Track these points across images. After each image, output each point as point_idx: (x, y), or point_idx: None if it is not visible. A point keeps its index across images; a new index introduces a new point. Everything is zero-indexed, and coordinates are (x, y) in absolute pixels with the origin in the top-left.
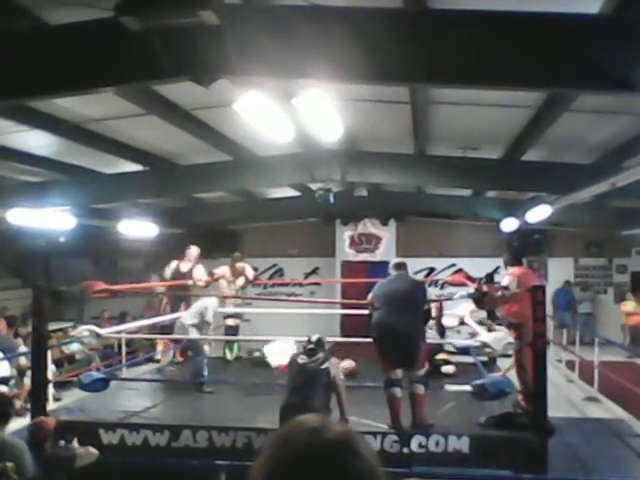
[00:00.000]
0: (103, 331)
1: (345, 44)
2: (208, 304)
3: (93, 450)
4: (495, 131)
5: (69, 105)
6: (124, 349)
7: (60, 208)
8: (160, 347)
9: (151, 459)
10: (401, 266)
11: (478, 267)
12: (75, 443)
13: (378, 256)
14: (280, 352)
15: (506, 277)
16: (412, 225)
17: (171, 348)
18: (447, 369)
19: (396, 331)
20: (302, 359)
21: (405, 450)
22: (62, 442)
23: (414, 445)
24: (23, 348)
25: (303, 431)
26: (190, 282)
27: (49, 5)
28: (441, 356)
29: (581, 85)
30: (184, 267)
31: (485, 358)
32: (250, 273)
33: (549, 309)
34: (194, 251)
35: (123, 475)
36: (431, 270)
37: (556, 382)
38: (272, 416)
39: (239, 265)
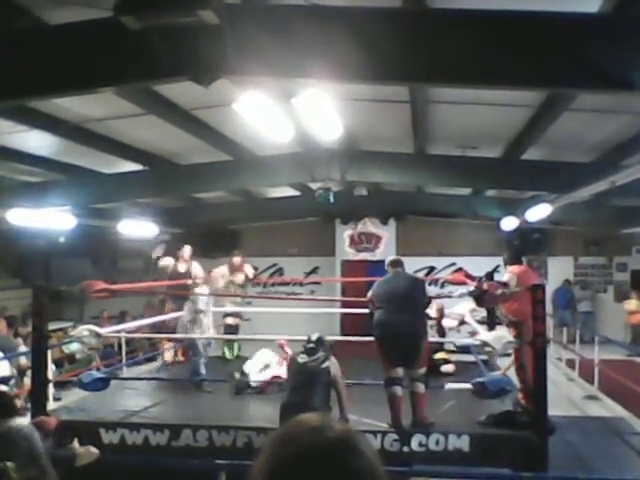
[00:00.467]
0: (103, 331)
1: (344, 44)
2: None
3: (93, 450)
4: (495, 130)
5: (69, 105)
6: (124, 348)
7: (60, 208)
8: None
9: (151, 458)
10: (397, 263)
11: (478, 266)
12: (75, 443)
13: (378, 255)
14: (260, 363)
15: (506, 274)
16: (412, 224)
17: (171, 348)
18: (446, 368)
19: (397, 330)
20: (302, 358)
21: (405, 449)
22: (63, 444)
23: (414, 444)
24: (23, 348)
25: (304, 430)
26: (189, 281)
27: (49, 5)
28: (440, 355)
29: (580, 84)
30: (181, 267)
31: (485, 357)
32: (250, 271)
33: (549, 308)
34: (187, 250)
35: (123, 474)
36: (431, 269)
37: (556, 381)
38: (272, 415)
39: (236, 260)
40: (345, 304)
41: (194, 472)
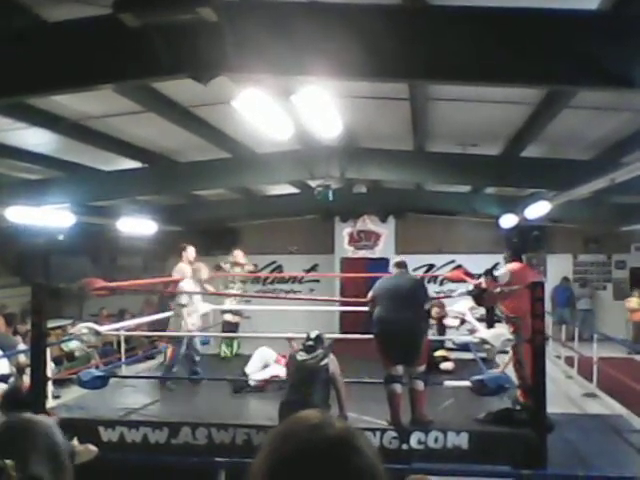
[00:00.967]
0: (102, 328)
1: (344, 41)
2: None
3: (92, 447)
4: (494, 127)
5: (68, 102)
6: (123, 346)
7: (59, 206)
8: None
9: (150, 456)
10: (402, 264)
11: (477, 263)
12: (75, 441)
13: (377, 253)
14: (260, 363)
15: (500, 270)
16: (411, 222)
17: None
18: (446, 366)
19: (397, 327)
20: (301, 356)
21: (404, 446)
22: None
23: (413, 441)
24: (22, 346)
25: (304, 427)
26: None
27: (48, 2)
28: (440, 353)
29: (580, 81)
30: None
31: (484, 354)
32: (249, 267)
33: (548, 305)
34: (192, 251)
35: (123, 472)
36: (430, 267)
37: (555, 378)
38: (271, 413)
39: (237, 254)
40: (344, 302)
41: (193, 470)
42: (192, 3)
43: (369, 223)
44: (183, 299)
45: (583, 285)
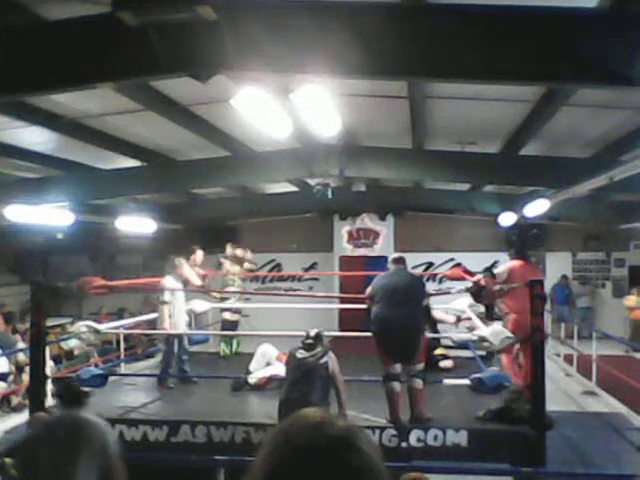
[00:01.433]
0: (101, 327)
1: (343, 39)
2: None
3: None
4: (493, 126)
5: (67, 101)
6: (122, 345)
7: (58, 204)
8: None
9: (150, 454)
10: (400, 260)
11: (476, 261)
12: None
13: (376, 251)
14: (262, 360)
15: (500, 267)
16: (410, 220)
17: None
18: (445, 364)
19: (395, 325)
20: (301, 353)
21: (404, 444)
22: None
23: (413, 439)
24: (21, 344)
25: (304, 426)
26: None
27: (46, 1)
28: (439, 351)
29: (579, 80)
30: (196, 280)
31: (483, 352)
32: (248, 266)
33: (547, 303)
34: (200, 255)
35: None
36: (429, 265)
37: (554, 376)
38: (270, 411)
39: (238, 252)
40: (343, 300)
41: (192, 468)
42: (191, 2)
43: (368, 221)
44: (166, 296)
45: (583, 283)
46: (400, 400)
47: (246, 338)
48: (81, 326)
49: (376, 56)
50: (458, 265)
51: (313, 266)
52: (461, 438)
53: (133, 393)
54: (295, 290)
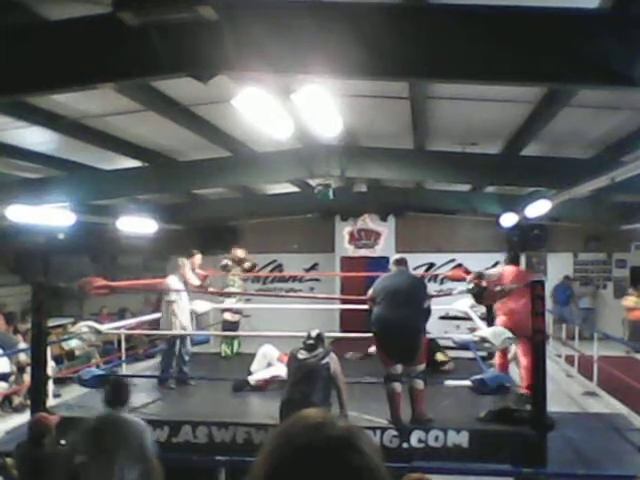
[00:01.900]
0: (103, 327)
1: (344, 39)
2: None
3: None
4: (494, 126)
5: (68, 101)
6: (123, 345)
7: (59, 205)
8: None
9: None
10: (401, 262)
11: (477, 262)
12: None
13: (377, 252)
14: (264, 361)
15: (492, 270)
16: (411, 220)
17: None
18: (445, 368)
19: (396, 326)
20: (302, 354)
21: (405, 445)
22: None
23: (413, 440)
24: (22, 344)
25: (305, 427)
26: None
27: (47, 0)
28: (440, 357)
29: (580, 80)
30: (194, 280)
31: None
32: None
33: (548, 304)
34: (199, 259)
35: None
36: (430, 265)
37: (555, 377)
38: (272, 411)
39: (239, 253)
40: (344, 301)
41: (194, 468)
42: (191, 2)
43: (369, 222)
44: (172, 296)
45: (584, 284)
46: (401, 401)
47: (247, 339)
48: (82, 326)
49: (377, 57)
50: (459, 266)
51: (314, 267)
52: (462, 439)
53: (134, 393)
54: (296, 291)
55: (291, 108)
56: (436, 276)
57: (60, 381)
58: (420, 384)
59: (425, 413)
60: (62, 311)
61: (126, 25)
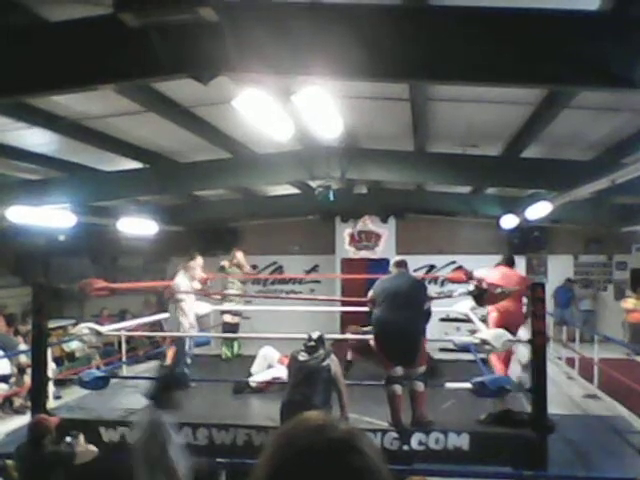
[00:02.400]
0: (103, 329)
1: (345, 41)
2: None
3: (93, 448)
4: (494, 128)
5: (68, 102)
6: (124, 347)
7: (60, 206)
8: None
9: None
10: (402, 264)
11: (478, 264)
12: (81, 438)
13: (378, 253)
14: (264, 363)
15: (481, 270)
16: (412, 222)
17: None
18: None
19: (396, 328)
20: (303, 356)
21: (405, 447)
22: (68, 438)
23: (414, 442)
24: (23, 346)
25: (307, 429)
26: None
27: (48, 2)
28: None
29: (580, 82)
30: (196, 283)
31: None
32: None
33: (549, 306)
34: (200, 261)
35: (124, 473)
36: (431, 267)
37: (556, 379)
38: (272, 413)
39: (238, 255)
40: (345, 303)
41: (194, 470)
42: (192, 3)
43: (370, 224)
44: (181, 295)
45: (585, 286)
46: (401, 403)
47: (247, 341)
48: (83, 328)
49: (377, 58)
50: (460, 268)
51: (314, 268)
52: (463, 441)
53: (135, 395)
54: (296, 293)
55: (291, 109)
56: (436, 278)
57: (61, 383)
58: (421, 386)
59: (426, 415)
60: (62, 313)
61: (127, 26)
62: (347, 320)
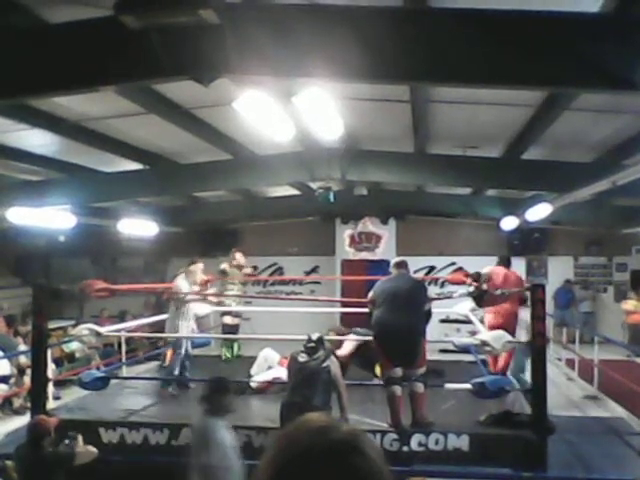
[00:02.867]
0: (103, 330)
1: (345, 43)
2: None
3: (92, 449)
4: (495, 130)
5: (69, 104)
6: (124, 348)
7: (60, 207)
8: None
9: (151, 457)
10: (402, 265)
11: (478, 266)
12: (80, 440)
13: (378, 255)
14: (264, 364)
15: (486, 268)
16: (412, 224)
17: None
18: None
19: (397, 329)
20: (303, 357)
21: (405, 448)
22: (67, 441)
23: (414, 443)
24: (23, 347)
25: (309, 431)
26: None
27: (49, 3)
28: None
29: (581, 84)
30: (196, 287)
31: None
32: (248, 270)
33: (549, 307)
34: (201, 267)
35: (123, 473)
36: (431, 269)
37: (556, 381)
38: (272, 414)
39: (238, 257)
40: (345, 304)
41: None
42: (193, 5)
43: (370, 225)
44: (179, 298)
45: (585, 287)
46: (401, 404)
47: (247, 342)
48: (82, 329)
49: (378, 60)
50: (460, 269)
51: (315, 270)
52: (462, 442)
53: (134, 396)
54: (296, 294)
55: (292, 111)
56: (437, 279)
57: (60, 383)
58: (420, 387)
59: (425, 416)
60: (62, 313)
61: (127, 28)
62: (347, 321)
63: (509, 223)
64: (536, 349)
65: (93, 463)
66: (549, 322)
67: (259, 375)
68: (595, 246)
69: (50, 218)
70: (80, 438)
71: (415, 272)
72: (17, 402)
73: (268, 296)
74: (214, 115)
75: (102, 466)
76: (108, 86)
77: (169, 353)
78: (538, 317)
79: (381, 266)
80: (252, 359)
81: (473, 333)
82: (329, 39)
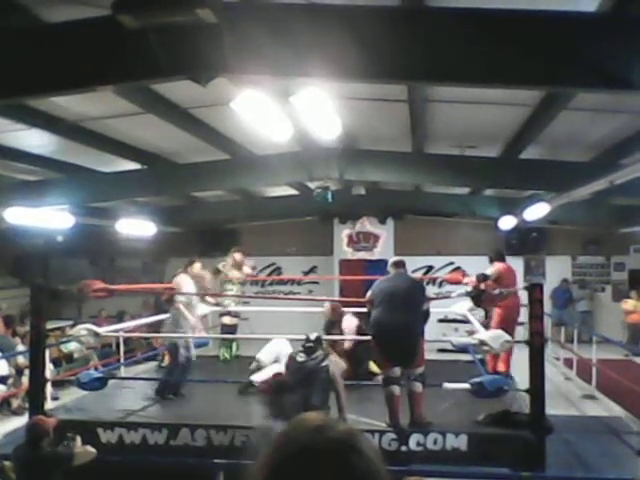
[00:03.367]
0: (101, 330)
1: (343, 42)
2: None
3: (91, 449)
4: (493, 129)
5: (67, 104)
6: (122, 348)
7: (58, 207)
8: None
9: (149, 458)
10: (400, 264)
11: (476, 265)
12: (78, 440)
13: (376, 254)
14: (273, 354)
15: (490, 268)
16: (410, 223)
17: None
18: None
19: (395, 328)
20: (301, 357)
21: (403, 448)
22: (65, 441)
23: (412, 443)
24: (21, 347)
25: (306, 429)
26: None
27: (47, 3)
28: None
29: (579, 83)
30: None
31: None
32: (248, 271)
33: (547, 307)
34: (198, 267)
35: (122, 474)
36: (429, 268)
37: (554, 380)
38: None
39: (237, 256)
40: (343, 303)
41: (192, 471)
42: (191, 5)
43: (368, 225)
44: (184, 298)
45: (582, 287)
46: (400, 404)
47: (245, 342)
48: (81, 329)
49: (376, 59)
50: (458, 269)
51: (313, 270)
52: (461, 442)
53: (133, 396)
54: (295, 294)
55: (290, 111)
56: (435, 279)
57: (58, 384)
58: (419, 387)
59: (424, 416)
60: (60, 314)
61: (125, 28)
62: None
63: (507, 223)
64: (534, 348)
65: (92, 463)
66: (547, 321)
67: (260, 373)
68: (593, 245)
69: (48, 218)
70: (78, 438)
71: (413, 272)
72: (15, 402)
73: (266, 296)
74: (212, 115)
75: (101, 466)
76: (106, 86)
77: (168, 353)
78: (536, 316)
79: (379, 266)
80: (251, 359)
81: (471, 333)
82: (327, 38)
